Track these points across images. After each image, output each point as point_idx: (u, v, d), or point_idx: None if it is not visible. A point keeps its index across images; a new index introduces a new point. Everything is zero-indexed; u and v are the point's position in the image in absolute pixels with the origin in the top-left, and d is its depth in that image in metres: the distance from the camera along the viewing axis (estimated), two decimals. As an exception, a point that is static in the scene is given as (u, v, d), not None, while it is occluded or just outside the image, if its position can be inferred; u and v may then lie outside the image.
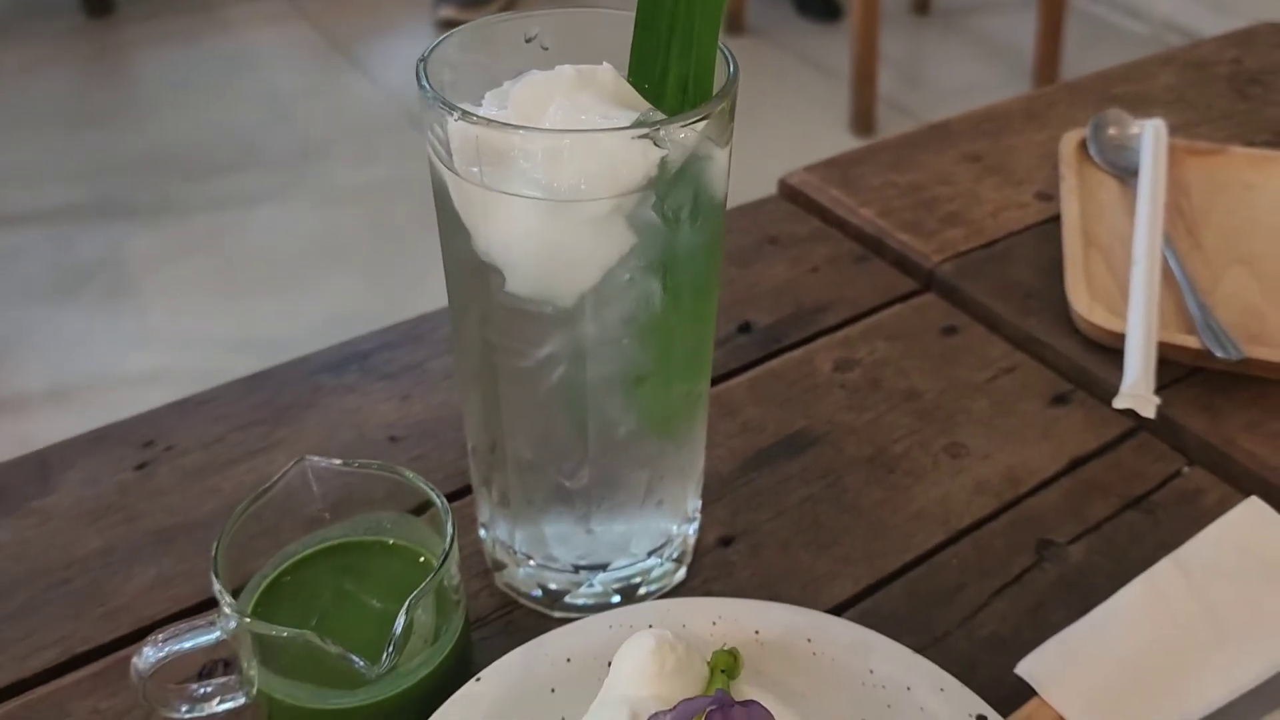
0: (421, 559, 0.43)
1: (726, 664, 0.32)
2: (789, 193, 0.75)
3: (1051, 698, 0.42)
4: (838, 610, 0.47)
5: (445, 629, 0.41)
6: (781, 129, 2.04)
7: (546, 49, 0.41)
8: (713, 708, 0.29)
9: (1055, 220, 0.71)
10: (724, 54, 0.38)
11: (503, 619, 0.46)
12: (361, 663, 0.37)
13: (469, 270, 0.38)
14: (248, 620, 0.38)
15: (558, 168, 0.34)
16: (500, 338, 0.39)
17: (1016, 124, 0.83)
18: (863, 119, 2.06)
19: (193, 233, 1.88)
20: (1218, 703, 0.42)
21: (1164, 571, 0.47)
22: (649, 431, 0.42)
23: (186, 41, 2.50)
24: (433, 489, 0.42)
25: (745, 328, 0.63)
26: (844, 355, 0.61)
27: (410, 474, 0.42)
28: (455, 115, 0.34)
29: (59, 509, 0.51)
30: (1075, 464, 0.55)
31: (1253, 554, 0.48)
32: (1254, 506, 0.49)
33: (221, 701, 0.41)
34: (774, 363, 0.61)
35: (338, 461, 0.43)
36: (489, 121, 0.33)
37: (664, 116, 0.36)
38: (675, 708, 0.29)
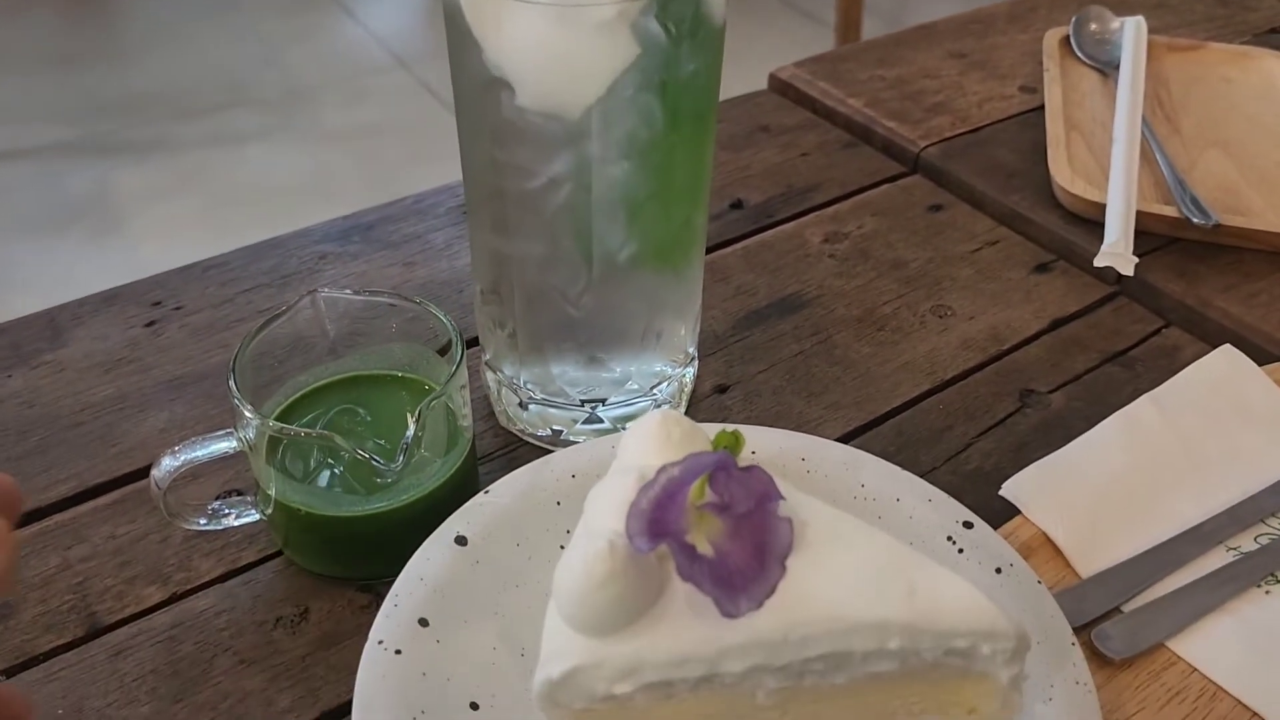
0: (429, 389, 0.45)
1: (729, 441, 0.34)
2: (779, 86, 0.77)
3: (1034, 515, 0.45)
4: (829, 447, 0.49)
5: (454, 447, 0.43)
6: (768, 39, 2.05)
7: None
8: (718, 468, 0.31)
9: (1039, 110, 0.73)
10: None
11: (506, 455, 0.48)
12: (381, 461, 0.38)
13: (479, 86, 0.39)
14: (270, 423, 0.39)
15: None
16: (508, 156, 0.40)
17: (1001, 25, 0.84)
18: (850, 28, 2.07)
19: (181, 171, 1.87)
20: (1191, 522, 0.45)
21: (1141, 407, 0.49)
22: (649, 258, 0.43)
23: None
24: (441, 313, 0.43)
25: (737, 204, 0.65)
26: (833, 229, 0.63)
27: (418, 299, 0.44)
28: (465, -77, 0.35)
29: (71, 361, 0.52)
30: (1057, 323, 0.57)
31: (1225, 393, 0.50)
32: (1228, 353, 0.51)
33: (238, 517, 0.42)
34: (766, 235, 0.62)
35: (348, 291, 0.44)
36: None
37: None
38: (683, 461, 0.31)
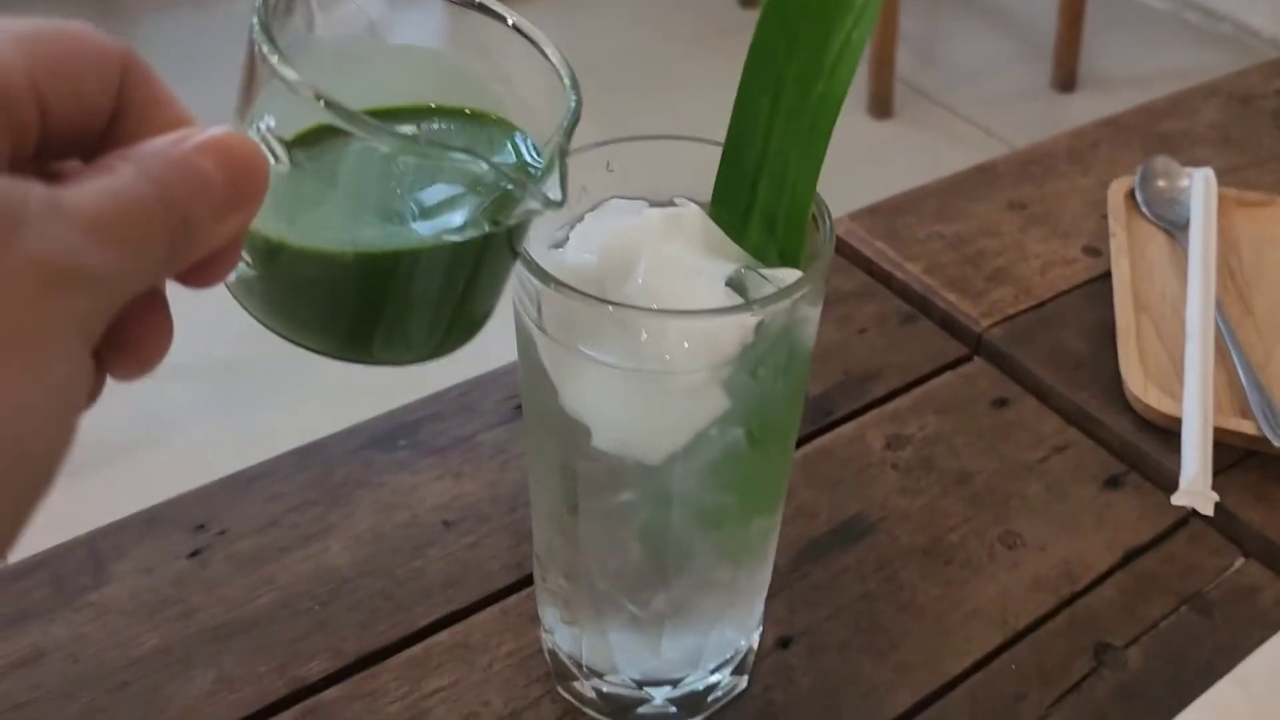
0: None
1: None
2: (834, 243, 0.74)
3: (1118, 831, 0.43)
4: (900, 723, 0.47)
5: (501, 223, 0.30)
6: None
7: (624, 175, 0.40)
8: None
9: (1104, 278, 0.70)
10: (818, 206, 0.37)
11: (566, 730, 0.47)
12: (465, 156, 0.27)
13: (552, 418, 0.37)
14: (332, 104, 0.26)
15: (658, 343, 0.33)
16: (582, 483, 0.38)
17: (1061, 166, 0.81)
18: (880, 102, 2.04)
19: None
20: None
21: (1226, 691, 0.47)
22: (726, 563, 0.42)
23: (195, 7, 2.46)
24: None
25: (795, 398, 0.63)
26: (895, 430, 0.61)
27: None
28: (550, 285, 0.33)
29: (115, 602, 0.50)
30: (1130, 556, 0.55)
31: (1314, 669, 0.48)
32: (1314, 616, 0.49)
33: None
34: (825, 439, 0.60)
35: None
36: (587, 297, 0.33)
37: (760, 276, 0.36)
38: None
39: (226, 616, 0.50)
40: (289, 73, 0.26)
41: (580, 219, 0.39)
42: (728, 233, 0.38)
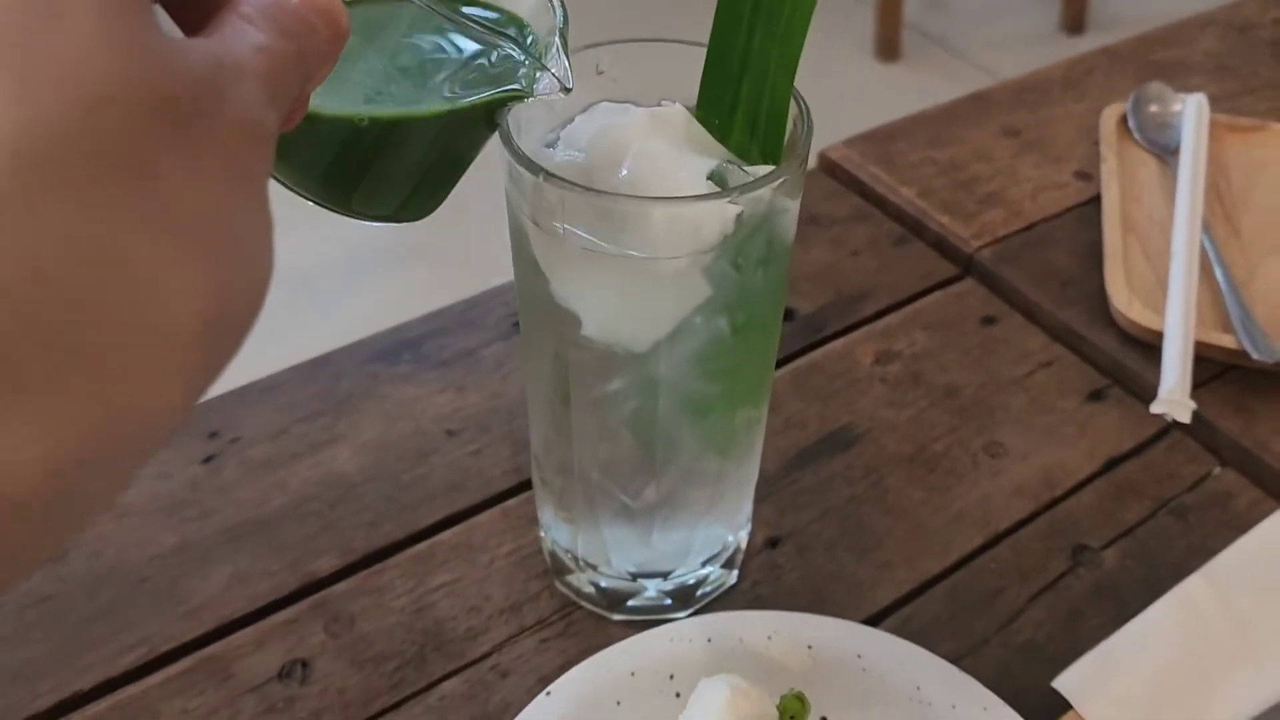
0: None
1: (795, 709, 0.35)
2: (829, 167, 0.75)
3: (1086, 712, 0.45)
4: (882, 615, 0.49)
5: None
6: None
7: (612, 77, 0.42)
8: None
9: (1094, 201, 0.72)
10: (797, 102, 0.39)
11: (563, 620, 0.49)
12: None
13: (544, 309, 0.39)
14: None
15: (642, 229, 0.35)
16: (573, 371, 0.40)
17: (1055, 93, 0.82)
18: (888, 45, 2.03)
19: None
20: (1244, 715, 0.45)
21: (1195, 585, 0.49)
22: (713, 454, 0.44)
23: None
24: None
25: (788, 315, 0.64)
26: (885, 346, 0.63)
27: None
28: (540, 176, 0.35)
29: (135, 505, 0.53)
30: (1110, 464, 0.56)
31: (1281, 566, 0.50)
32: (1285, 517, 0.51)
33: None
34: (816, 354, 0.62)
35: None
36: (575, 186, 0.34)
37: (741, 171, 0.37)
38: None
39: (240, 518, 0.53)
40: None
41: (570, 120, 0.40)
42: (713, 133, 0.39)
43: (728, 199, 0.35)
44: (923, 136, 0.77)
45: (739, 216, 0.36)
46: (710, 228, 0.35)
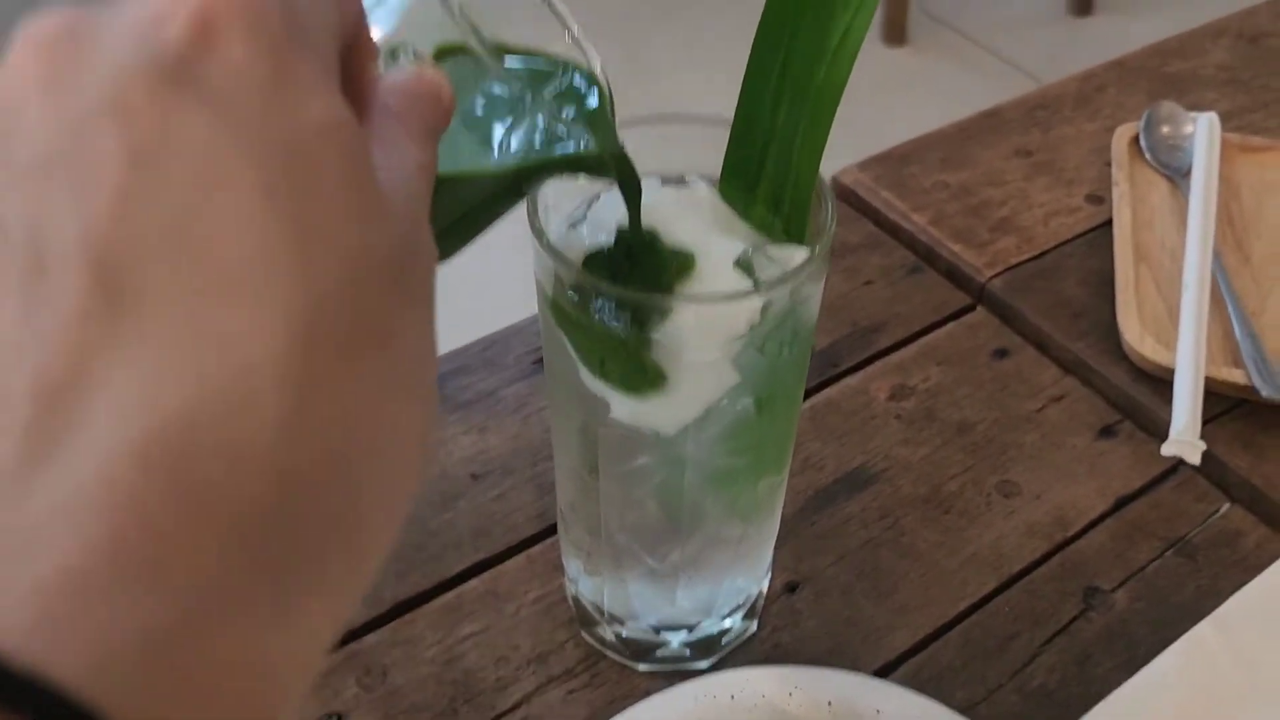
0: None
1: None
2: (843, 192, 0.76)
3: (1099, 762, 0.46)
4: (898, 662, 0.51)
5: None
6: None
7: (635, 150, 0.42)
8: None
9: (1106, 226, 0.72)
10: (821, 187, 0.39)
11: (588, 671, 0.50)
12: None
13: (573, 391, 0.40)
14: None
15: (672, 324, 0.36)
16: (602, 447, 0.41)
17: (1067, 111, 0.83)
18: (895, 28, 2.02)
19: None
20: (1251, 762, 0.46)
21: (1204, 632, 0.50)
22: (737, 519, 0.45)
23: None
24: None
25: (803, 350, 0.65)
26: (899, 381, 0.64)
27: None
28: (568, 268, 0.36)
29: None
30: (1120, 503, 0.58)
31: (1290, 611, 0.51)
32: (1294, 561, 0.52)
33: None
34: (832, 390, 0.63)
35: None
36: (606, 285, 0.35)
37: (767, 257, 0.38)
38: None
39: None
40: None
41: (597, 197, 0.41)
42: (736, 204, 0.40)
43: (756, 295, 0.36)
44: (935, 159, 0.78)
45: (765, 306, 0.37)
46: (738, 320, 0.36)
